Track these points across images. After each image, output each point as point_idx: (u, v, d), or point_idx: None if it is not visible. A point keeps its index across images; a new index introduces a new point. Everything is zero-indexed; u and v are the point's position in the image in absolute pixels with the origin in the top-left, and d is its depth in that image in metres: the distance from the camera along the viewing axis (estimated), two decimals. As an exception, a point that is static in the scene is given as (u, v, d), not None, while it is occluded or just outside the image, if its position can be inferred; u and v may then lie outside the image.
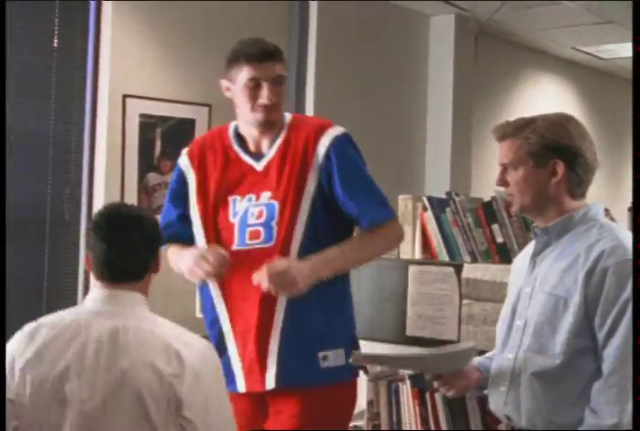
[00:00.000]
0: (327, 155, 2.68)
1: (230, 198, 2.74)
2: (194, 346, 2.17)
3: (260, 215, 2.69)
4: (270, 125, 2.70)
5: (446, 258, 3.27)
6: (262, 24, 4.88)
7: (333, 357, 2.67)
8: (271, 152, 2.72)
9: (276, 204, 2.68)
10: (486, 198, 3.24)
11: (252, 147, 2.76)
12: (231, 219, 2.72)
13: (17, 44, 3.95)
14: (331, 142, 2.69)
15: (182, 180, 2.84)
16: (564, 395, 2.22)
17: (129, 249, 2.23)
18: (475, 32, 6.13)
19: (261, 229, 2.69)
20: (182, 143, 4.44)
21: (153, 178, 4.38)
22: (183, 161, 2.86)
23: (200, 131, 4.56)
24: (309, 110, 5.19)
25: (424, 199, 3.34)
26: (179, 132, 4.49)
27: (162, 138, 4.38)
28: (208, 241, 2.74)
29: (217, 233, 2.74)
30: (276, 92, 2.66)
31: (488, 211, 3.20)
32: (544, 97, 7.45)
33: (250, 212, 2.70)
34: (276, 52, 2.67)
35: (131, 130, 4.26)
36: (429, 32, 5.99)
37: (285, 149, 2.70)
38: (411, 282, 3.30)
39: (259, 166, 2.73)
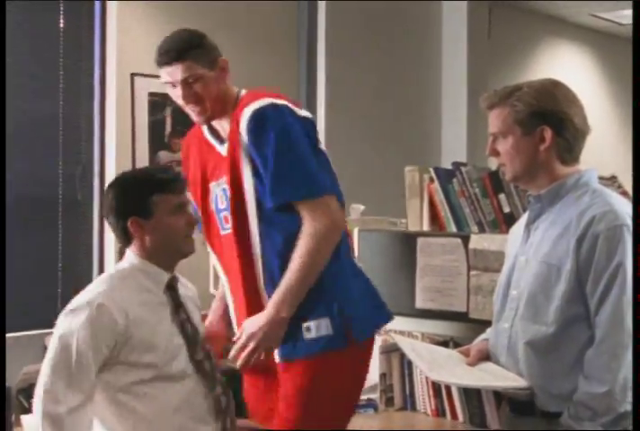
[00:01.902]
0: (247, 130, 2.57)
1: (210, 186, 2.75)
2: None
3: (222, 201, 2.70)
4: (206, 119, 2.69)
5: (454, 229, 3.26)
6: (269, 24, 4.89)
7: (315, 328, 2.59)
8: (227, 135, 2.71)
9: (227, 188, 2.66)
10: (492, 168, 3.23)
11: (221, 132, 2.74)
12: (211, 206, 2.74)
13: (23, 26, 3.95)
14: (250, 116, 2.57)
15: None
16: (559, 363, 2.21)
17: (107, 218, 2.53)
18: (488, 2, 6.06)
19: (226, 213, 2.69)
20: (191, 121, 4.50)
21: (164, 156, 4.38)
22: (182, 155, 2.93)
23: (211, 108, 4.56)
24: (320, 99, 5.18)
25: (431, 171, 3.32)
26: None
27: (172, 116, 4.38)
28: (206, 230, 2.78)
29: (208, 223, 2.77)
30: (190, 92, 2.62)
31: (495, 181, 3.19)
32: (562, 66, 7.37)
33: (218, 197, 2.72)
34: (171, 55, 2.62)
35: (140, 109, 4.26)
36: (442, 3, 5.92)
37: (232, 129, 2.67)
38: (419, 254, 3.30)
39: (223, 150, 2.70)
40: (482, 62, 6.01)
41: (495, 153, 2.33)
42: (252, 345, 2.54)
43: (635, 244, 2.14)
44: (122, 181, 2.51)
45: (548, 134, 2.26)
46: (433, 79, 5.93)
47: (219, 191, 2.70)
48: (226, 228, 2.70)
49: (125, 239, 2.47)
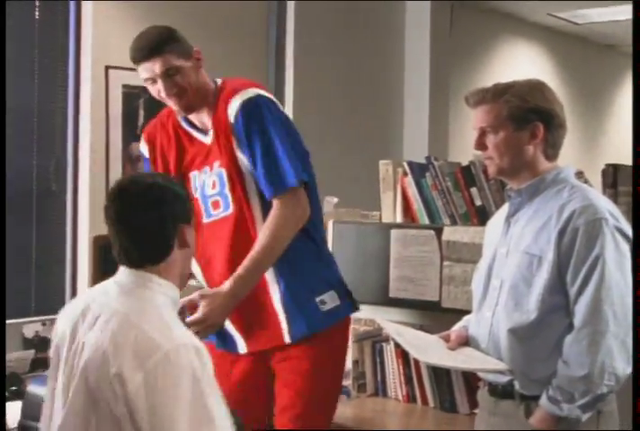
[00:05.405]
0: (236, 120, 2.68)
1: (190, 175, 2.82)
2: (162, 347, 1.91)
3: (214, 185, 2.76)
4: (188, 110, 2.76)
5: (426, 221, 3.34)
6: (240, 23, 4.94)
7: (329, 300, 2.79)
8: (210, 124, 2.77)
9: (224, 171, 2.73)
10: (464, 163, 3.32)
11: (198, 123, 2.81)
12: (193, 194, 2.79)
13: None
14: (239, 107, 2.68)
15: (148, 166, 2.95)
16: (539, 350, 2.31)
17: (138, 233, 2.05)
18: (450, 2, 6.17)
19: (219, 198, 2.76)
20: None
21: (137, 147, 4.41)
22: (143, 147, 2.97)
23: (182, 101, 4.60)
24: (289, 96, 5.26)
25: (405, 164, 3.40)
26: (161, 102, 4.51)
27: (145, 108, 4.41)
28: None
29: None
30: (171, 83, 2.69)
31: (467, 175, 3.27)
32: (520, 63, 7.50)
33: (206, 183, 2.77)
34: (148, 51, 2.67)
35: (114, 101, 4.29)
36: (405, 3, 6.01)
37: (217, 118, 2.74)
38: (393, 245, 3.37)
39: (207, 139, 2.77)
40: (443, 59, 6.12)
41: (483, 147, 2.40)
42: (209, 322, 2.58)
43: (634, 247, 2.24)
44: None
45: (540, 130, 2.35)
46: (397, 76, 6.03)
47: (211, 177, 2.76)
48: (213, 214, 2.77)
49: (174, 245, 2.12)
